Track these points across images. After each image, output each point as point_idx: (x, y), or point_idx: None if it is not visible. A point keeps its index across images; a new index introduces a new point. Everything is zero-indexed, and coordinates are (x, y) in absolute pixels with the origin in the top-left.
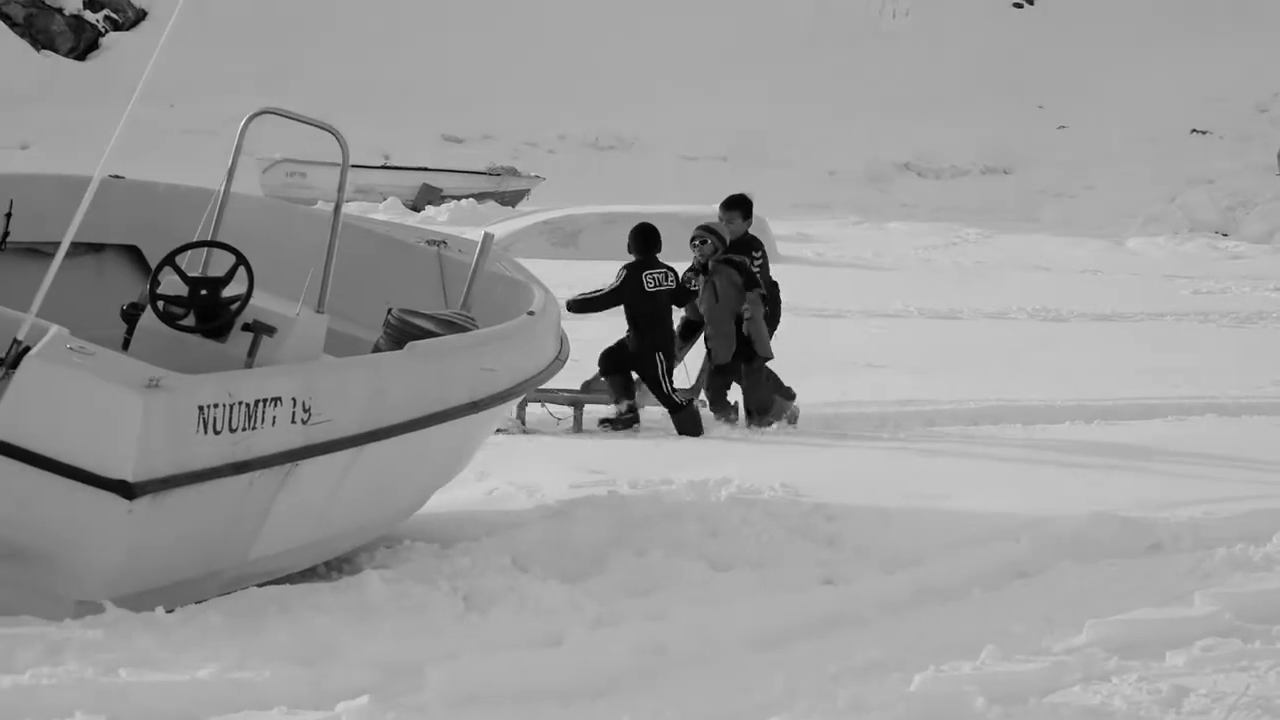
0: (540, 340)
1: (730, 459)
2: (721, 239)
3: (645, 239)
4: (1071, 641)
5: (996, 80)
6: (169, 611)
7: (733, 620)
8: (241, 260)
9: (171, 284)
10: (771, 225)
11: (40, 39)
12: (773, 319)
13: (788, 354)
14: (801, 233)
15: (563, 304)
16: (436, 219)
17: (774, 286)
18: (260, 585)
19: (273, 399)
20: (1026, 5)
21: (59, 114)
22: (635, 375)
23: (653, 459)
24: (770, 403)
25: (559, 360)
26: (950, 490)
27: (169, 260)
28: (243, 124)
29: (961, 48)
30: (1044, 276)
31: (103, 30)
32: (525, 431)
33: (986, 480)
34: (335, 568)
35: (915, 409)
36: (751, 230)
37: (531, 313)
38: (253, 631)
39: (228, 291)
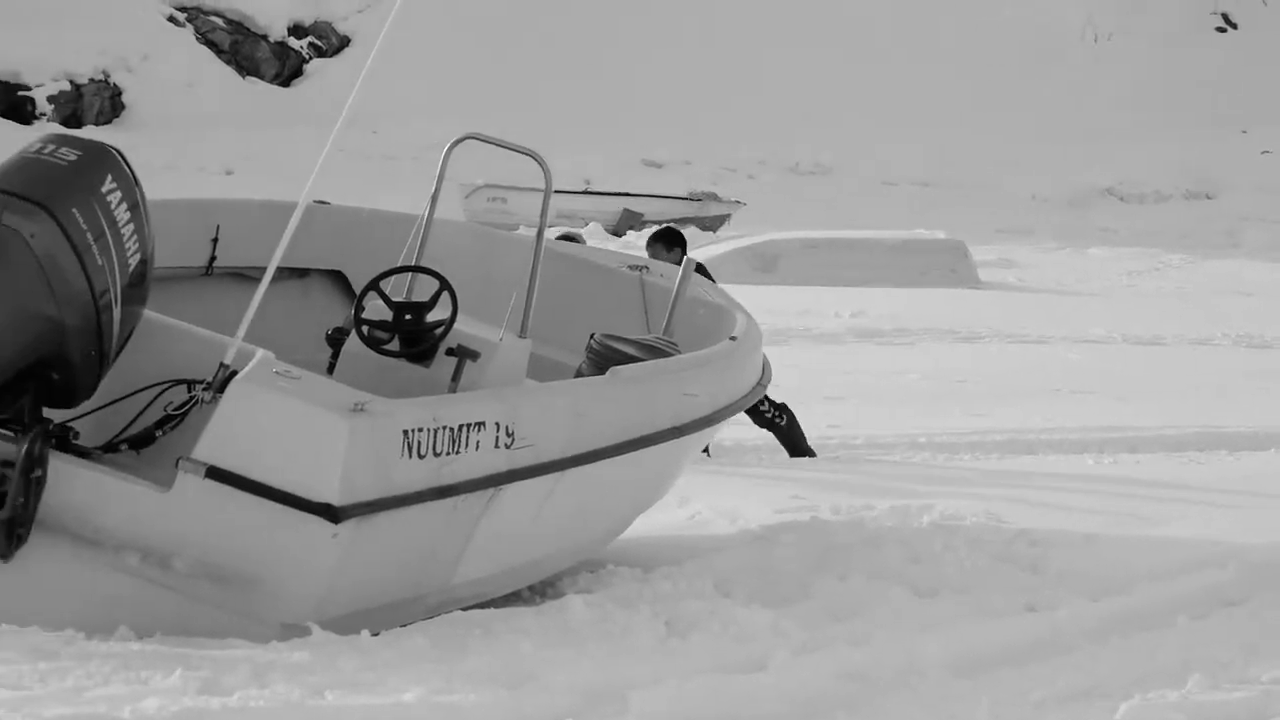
0: (742, 365)
1: (930, 484)
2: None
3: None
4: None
5: (1199, 105)
6: (374, 635)
7: (936, 646)
8: (445, 285)
9: (376, 309)
10: (973, 250)
11: (245, 65)
12: None
13: (990, 377)
14: (1003, 258)
15: None
16: (637, 244)
17: None
18: (464, 609)
19: (476, 423)
20: (1230, 29)
21: (263, 139)
22: None
23: (854, 485)
24: None
25: (761, 385)
26: (1155, 517)
27: (374, 285)
28: (446, 150)
29: (1164, 71)
30: (1248, 302)
31: (306, 57)
32: None
33: (1191, 507)
34: (538, 592)
35: (1119, 435)
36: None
37: (734, 338)
38: (456, 655)
39: (431, 316)
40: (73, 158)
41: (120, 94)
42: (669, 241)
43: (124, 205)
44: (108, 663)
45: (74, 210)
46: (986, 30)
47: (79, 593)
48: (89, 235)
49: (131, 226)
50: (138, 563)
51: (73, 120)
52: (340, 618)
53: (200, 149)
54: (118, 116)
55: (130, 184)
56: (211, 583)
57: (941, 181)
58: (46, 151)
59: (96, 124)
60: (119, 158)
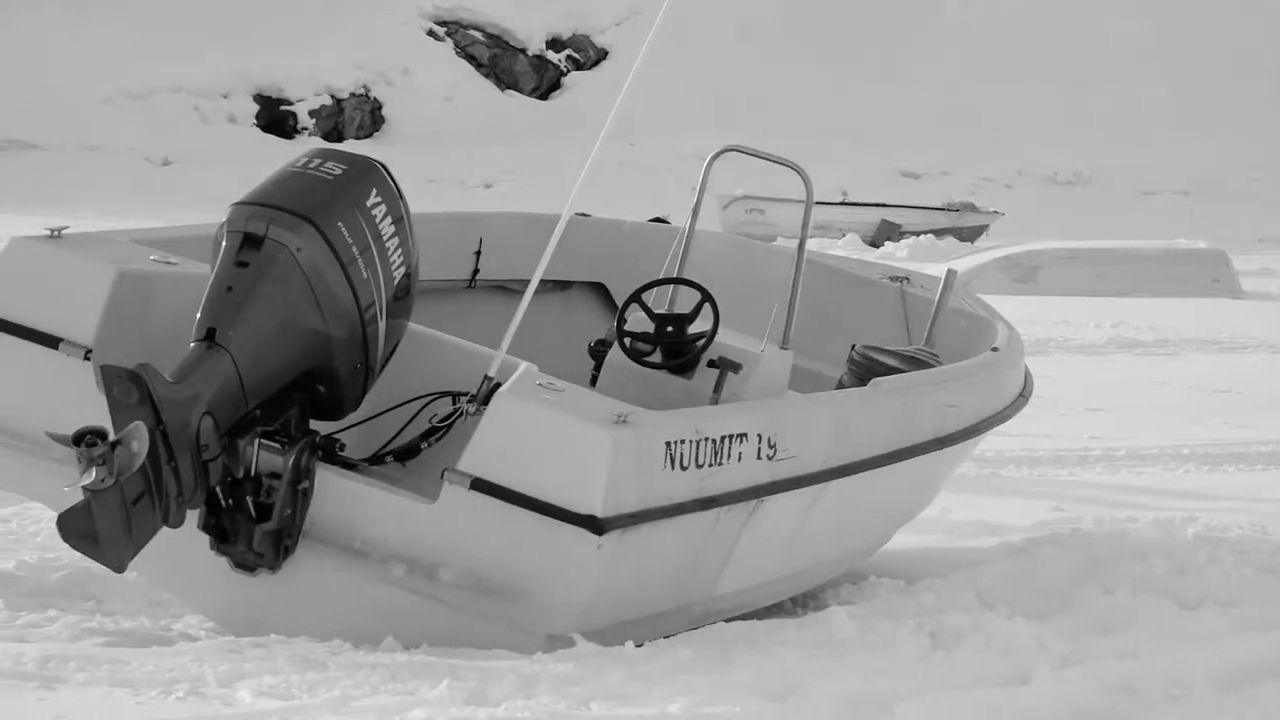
0: (1004, 377)
1: (1194, 496)
2: None
3: None
4: None
5: None
6: (638, 646)
7: (1203, 660)
8: (707, 297)
9: (638, 320)
10: (1235, 259)
11: (504, 79)
12: None
13: (1253, 388)
14: (1265, 268)
15: None
16: (896, 255)
17: None
18: (726, 621)
19: (738, 435)
20: None
21: (523, 152)
22: None
23: (1116, 496)
24: None
25: (1023, 397)
26: None
27: (636, 297)
28: (707, 162)
29: None
30: None
31: (564, 70)
32: None
33: None
34: (801, 604)
35: None
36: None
37: (996, 349)
38: (720, 667)
39: (693, 328)
40: (338, 172)
41: (380, 108)
42: None
43: (388, 219)
44: (375, 673)
45: (339, 224)
46: (1246, 36)
47: (346, 604)
48: (354, 249)
49: (396, 240)
50: (404, 574)
51: (334, 134)
52: (604, 629)
53: (459, 162)
54: (377, 130)
55: (395, 197)
56: (477, 594)
57: (1201, 190)
58: (312, 166)
59: (357, 138)
60: (384, 171)
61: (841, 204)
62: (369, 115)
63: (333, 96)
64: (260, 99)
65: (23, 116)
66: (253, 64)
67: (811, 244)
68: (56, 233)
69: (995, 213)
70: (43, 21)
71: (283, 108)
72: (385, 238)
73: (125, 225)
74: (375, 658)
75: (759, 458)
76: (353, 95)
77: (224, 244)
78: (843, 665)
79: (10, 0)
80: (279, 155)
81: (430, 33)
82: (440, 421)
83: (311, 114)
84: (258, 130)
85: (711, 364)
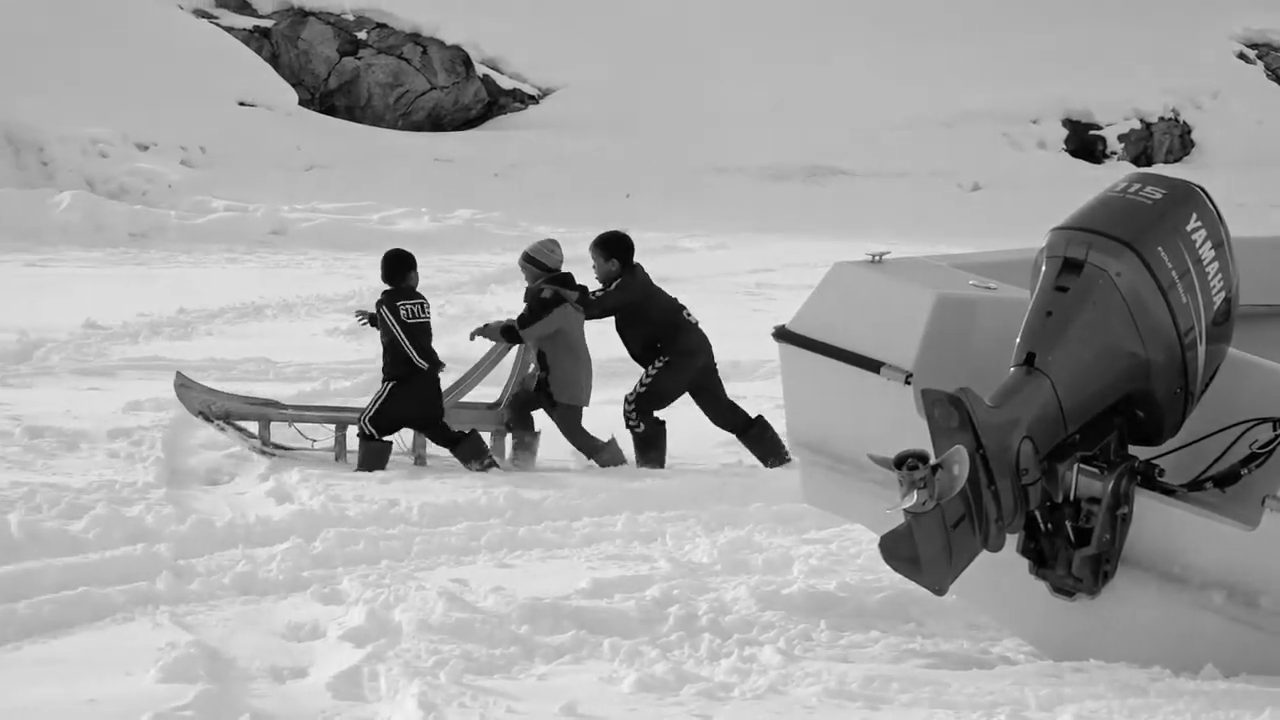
0: None
1: None
2: (543, 268)
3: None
4: None
5: None
6: None
7: None
8: None
9: None
10: None
11: None
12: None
13: None
14: None
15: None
16: None
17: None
18: None
19: None
20: None
21: None
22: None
23: None
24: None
25: None
26: None
27: None
28: None
29: None
30: None
31: None
32: (267, 452)
33: None
34: None
35: None
36: None
37: None
38: None
39: None
40: (1158, 196)
41: (1189, 131)
42: (606, 252)
43: (1208, 244)
44: (1195, 701)
45: (1159, 249)
46: None
47: (1164, 630)
48: (1174, 273)
49: (1215, 265)
50: (1223, 601)
51: (1142, 159)
52: None
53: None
54: (1186, 154)
55: (1215, 222)
56: None
57: None
58: (1132, 191)
59: (1165, 162)
60: (1204, 196)
61: None
62: (1178, 139)
63: (1142, 121)
64: (1069, 124)
65: (832, 144)
66: (1063, 89)
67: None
68: (878, 258)
69: None
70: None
71: (1091, 132)
72: (1205, 262)
73: (938, 250)
74: (1195, 685)
75: None
76: (1161, 119)
77: (1043, 269)
78: None
79: (816, 28)
80: (1086, 180)
81: (1241, 55)
82: (1260, 448)
83: (1120, 138)
84: (1066, 155)
85: None
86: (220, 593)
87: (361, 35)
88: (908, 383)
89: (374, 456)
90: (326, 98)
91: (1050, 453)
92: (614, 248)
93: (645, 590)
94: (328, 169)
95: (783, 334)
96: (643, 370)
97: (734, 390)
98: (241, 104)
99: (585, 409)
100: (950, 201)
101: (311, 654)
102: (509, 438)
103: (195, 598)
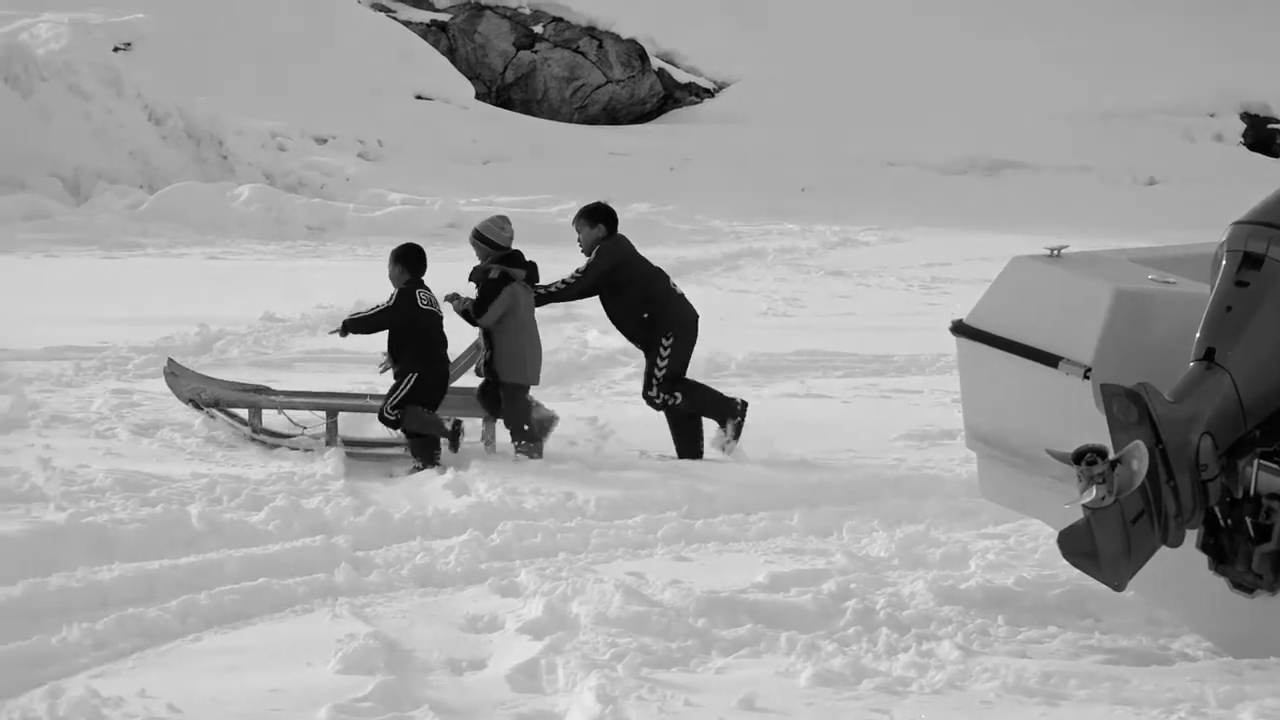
0: None
1: None
2: (494, 245)
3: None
4: None
5: None
6: None
7: None
8: None
9: None
10: None
11: None
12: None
13: None
14: None
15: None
16: None
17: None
18: None
19: None
20: None
21: None
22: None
23: None
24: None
25: None
26: None
27: None
28: None
29: None
30: None
31: None
32: (257, 439)
33: None
34: None
35: None
36: None
37: None
38: None
39: None
40: None
41: None
42: (591, 220)
43: None
44: None
45: None
46: None
47: None
48: None
49: None
50: None
51: None
52: None
53: None
54: None
55: None
56: None
57: None
58: None
59: None
60: None
61: None
62: None
63: None
64: (1246, 117)
65: (1006, 138)
66: (1241, 83)
67: None
68: (1056, 252)
69: None
70: (1017, 44)
71: (1269, 126)
72: None
73: (1116, 244)
74: None
75: None
76: None
77: (1223, 263)
78: None
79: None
80: (1264, 173)
81: None
82: None
83: None
84: (1243, 148)
85: None
86: (398, 584)
87: (538, 29)
88: (1086, 377)
89: (426, 450)
90: (503, 91)
91: (1230, 448)
92: (599, 214)
93: (822, 584)
94: (504, 162)
95: (960, 328)
96: (645, 354)
97: (910, 384)
98: (419, 98)
99: (533, 388)
100: (1125, 196)
101: (489, 646)
102: (499, 423)
103: (374, 589)
